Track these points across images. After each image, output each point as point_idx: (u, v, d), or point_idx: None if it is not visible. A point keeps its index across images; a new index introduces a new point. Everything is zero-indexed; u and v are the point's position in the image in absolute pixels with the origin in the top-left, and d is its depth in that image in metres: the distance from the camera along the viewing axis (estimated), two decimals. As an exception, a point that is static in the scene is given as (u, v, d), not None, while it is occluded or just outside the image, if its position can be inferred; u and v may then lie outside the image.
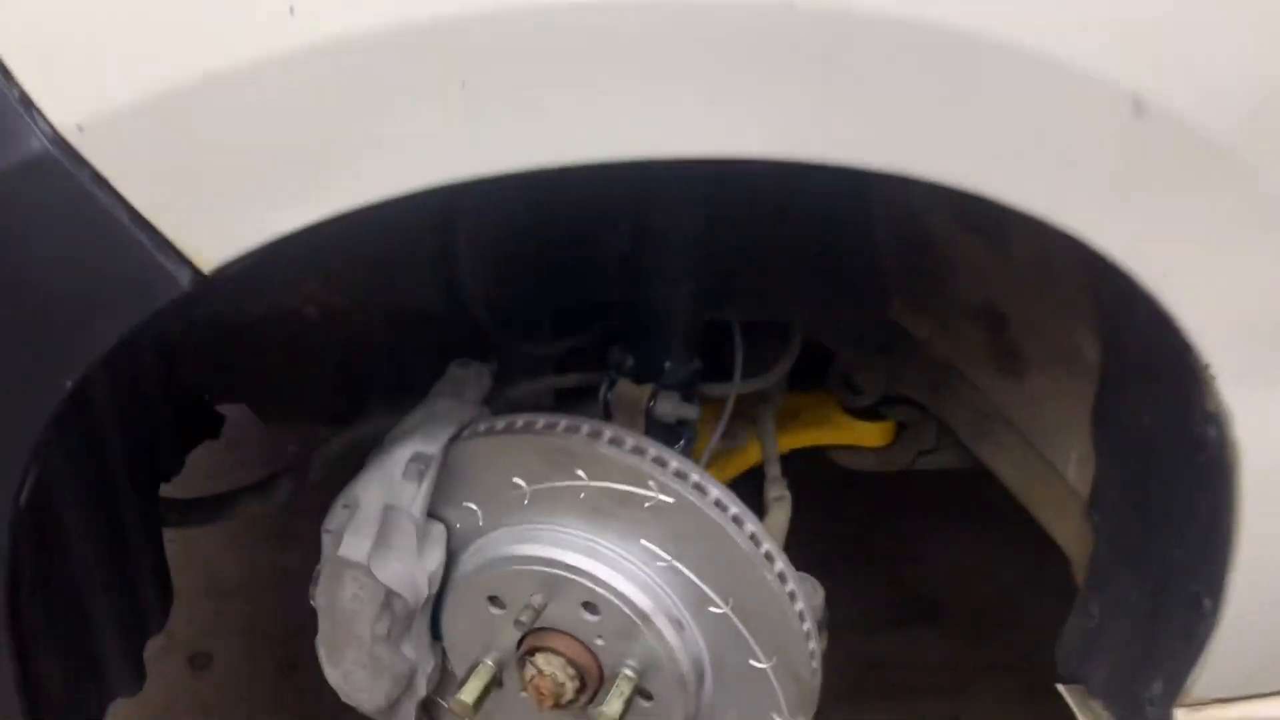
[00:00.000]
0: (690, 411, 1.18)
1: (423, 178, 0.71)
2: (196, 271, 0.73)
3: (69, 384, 0.76)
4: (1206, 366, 0.86)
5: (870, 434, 1.66)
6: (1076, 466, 1.32)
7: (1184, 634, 1.07)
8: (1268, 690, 1.11)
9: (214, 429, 1.55)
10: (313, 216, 0.72)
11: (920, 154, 0.74)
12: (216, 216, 0.72)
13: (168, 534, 1.40)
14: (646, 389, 1.18)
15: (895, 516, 2.64)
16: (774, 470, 1.42)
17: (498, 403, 1.34)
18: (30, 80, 0.70)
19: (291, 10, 0.67)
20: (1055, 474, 1.37)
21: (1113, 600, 1.22)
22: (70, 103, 0.70)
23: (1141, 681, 1.16)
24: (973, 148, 0.74)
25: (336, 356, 1.48)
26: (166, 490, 1.39)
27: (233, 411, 1.61)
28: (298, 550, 2.55)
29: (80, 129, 0.70)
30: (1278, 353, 0.85)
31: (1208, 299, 0.83)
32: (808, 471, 1.81)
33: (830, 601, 2.33)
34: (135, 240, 0.72)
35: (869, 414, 1.65)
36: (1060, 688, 1.32)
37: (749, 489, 1.49)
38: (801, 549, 2.52)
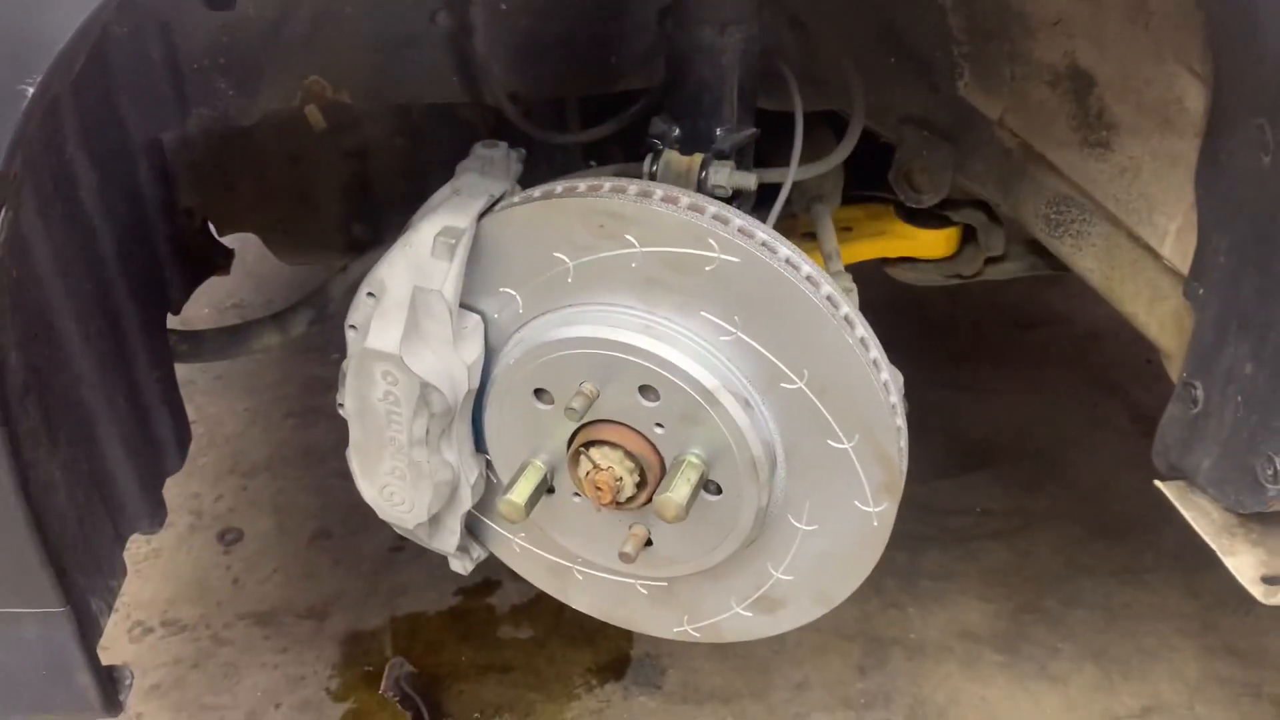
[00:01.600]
0: (748, 180, 1.05)
1: None
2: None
3: (29, 90, 0.64)
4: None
5: (933, 243, 1.53)
6: (1175, 239, 1.19)
7: (1309, 396, 0.96)
8: None
9: (222, 264, 1.43)
10: None
11: None
12: None
13: (190, 416, 1.30)
14: (696, 158, 1.05)
15: (943, 366, 2.53)
16: (836, 265, 1.30)
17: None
18: None
19: None
20: (1148, 256, 1.25)
21: (1222, 379, 1.10)
22: None
23: (1258, 460, 1.04)
24: None
25: (347, 171, 1.36)
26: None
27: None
28: (322, 426, 2.47)
29: None
30: None
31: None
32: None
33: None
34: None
35: (931, 220, 1.51)
36: (1160, 485, 1.21)
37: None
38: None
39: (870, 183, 1.51)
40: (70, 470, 0.97)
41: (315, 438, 2.35)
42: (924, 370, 2.51)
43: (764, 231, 0.91)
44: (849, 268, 1.54)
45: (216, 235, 1.42)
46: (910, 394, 2.51)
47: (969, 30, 1.26)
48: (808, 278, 0.90)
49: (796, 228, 1.46)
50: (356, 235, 1.41)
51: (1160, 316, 1.27)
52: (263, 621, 1.93)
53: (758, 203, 1.17)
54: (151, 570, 2.02)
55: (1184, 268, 1.17)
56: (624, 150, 1.27)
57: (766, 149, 1.25)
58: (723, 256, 0.90)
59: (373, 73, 1.18)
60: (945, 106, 1.34)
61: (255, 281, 2.80)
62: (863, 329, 0.93)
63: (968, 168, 1.41)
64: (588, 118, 1.29)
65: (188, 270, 1.33)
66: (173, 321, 1.28)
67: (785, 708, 1.75)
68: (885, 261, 1.58)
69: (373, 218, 1.40)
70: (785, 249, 0.91)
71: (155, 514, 1.17)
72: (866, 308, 1.52)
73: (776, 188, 1.19)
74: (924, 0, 1.24)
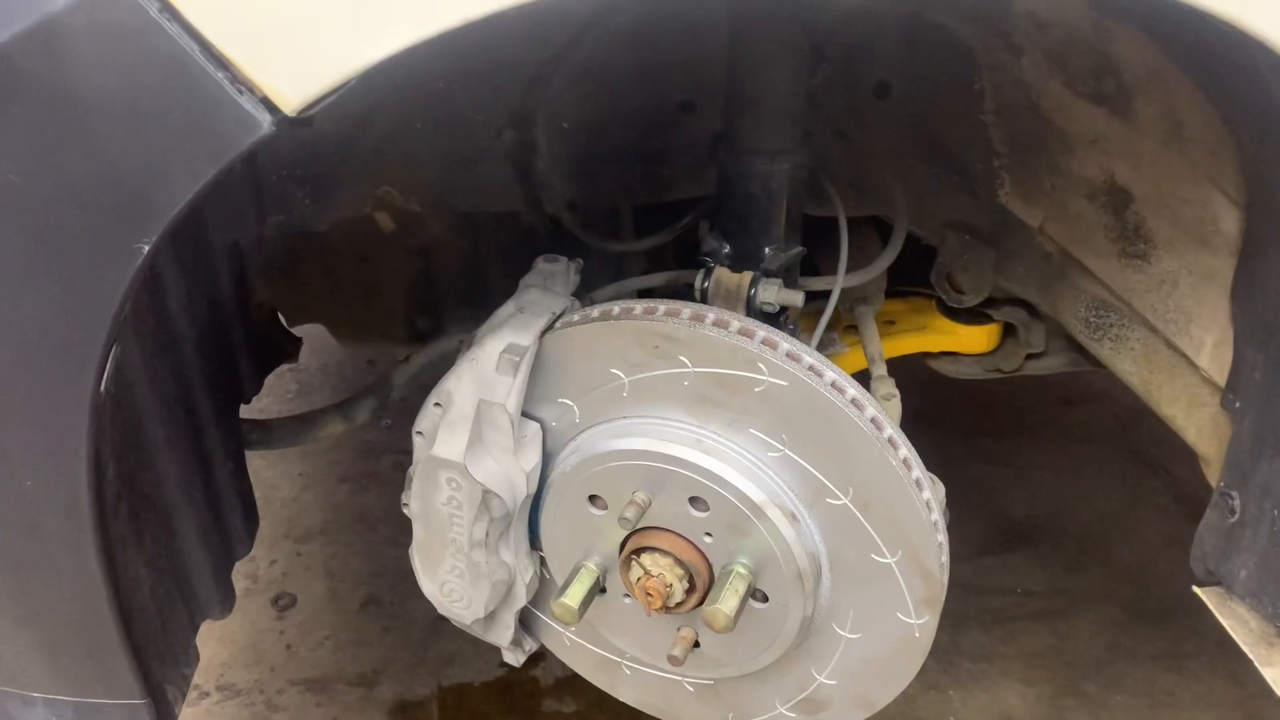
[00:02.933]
0: (795, 298, 1.10)
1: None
2: (278, 113, 0.67)
3: (145, 247, 0.70)
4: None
5: (974, 338, 1.56)
6: (1212, 352, 1.22)
7: (1350, 516, 0.98)
8: None
9: (291, 351, 1.50)
10: (392, 48, 0.65)
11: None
12: (297, 47, 0.66)
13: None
14: (746, 275, 1.10)
15: (984, 443, 2.55)
16: (880, 369, 1.34)
17: (583, 305, 1.27)
18: (91, -97, 0.63)
19: None
20: (1185, 364, 1.28)
21: (1259, 491, 1.12)
22: (135, -73, 0.64)
23: (1295, 574, 1.06)
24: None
25: (412, 269, 1.43)
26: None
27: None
28: (375, 492, 2.53)
29: (147, -47, 0.63)
30: None
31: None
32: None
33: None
34: (211, 78, 0.66)
35: (973, 317, 1.55)
36: (1198, 590, 1.23)
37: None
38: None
39: (913, 277, 1.56)
40: (153, 567, 1.03)
41: (368, 503, 2.42)
42: (965, 446, 2.56)
43: (811, 355, 0.96)
44: (892, 361, 1.59)
45: (286, 325, 1.49)
46: (951, 470, 2.52)
47: (1009, 143, 1.30)
48: (853, 401, 0.95)
49: (840, 321, 1.51)
50: (419, 327, 1.48)
51: (1198, 422, 1.29)
52: (315, 688, 1.98)
53: (808, 299, 1.22)
54: (208, 634, 2.06)
55: (1221, 379, 1.20)
56: (677, 255, 1.33)
57: (814, 252, 1.30)
58: (771, 380, 0.94)
59: (440, 183, 1.25)
60: (986, 213, 1.38)
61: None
62: (906, 449, 0.97)
63: (1008, 270, 1.45)
64: (643, 224, 1.35)
65: (259, 360, 1.40)
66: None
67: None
68: (927, 355, 1.61)
69: (434, 311, 1.46)
70: (831, 373, 0.96)
71: (225, 599, 1.23)
72: (907, 384, 1.57)
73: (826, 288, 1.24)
74: (966, 114, 1.29)
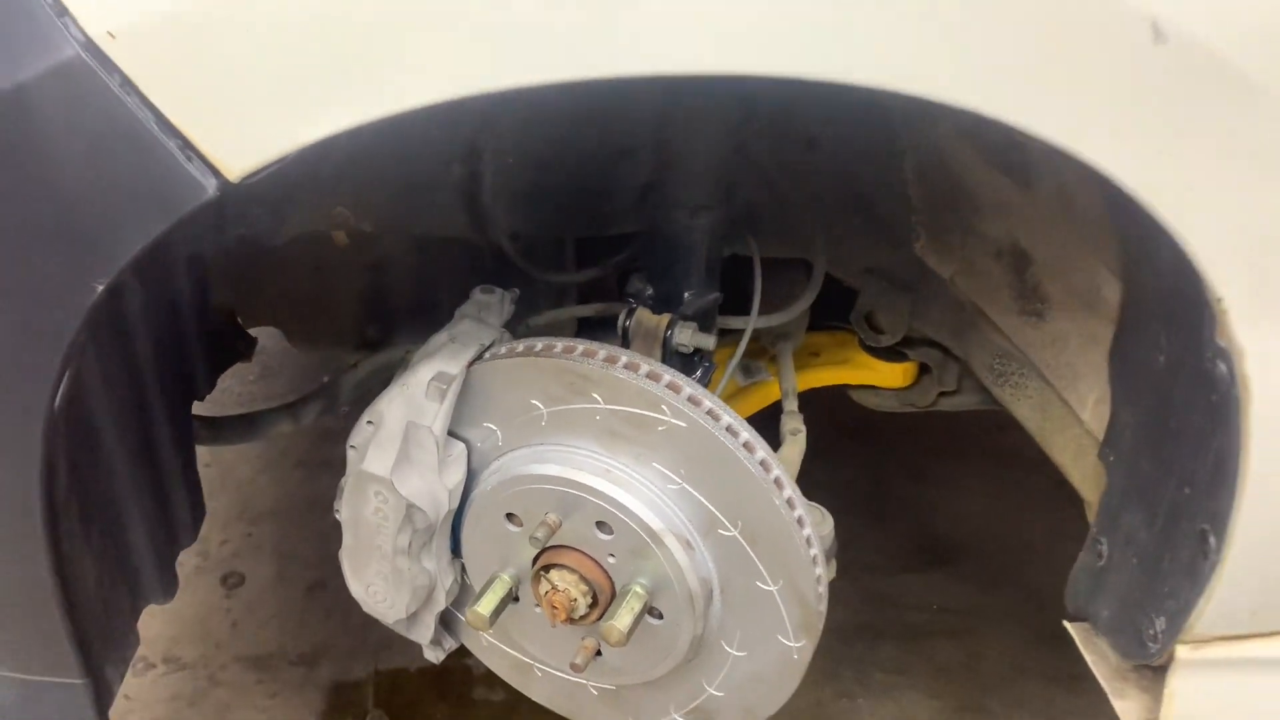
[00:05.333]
0: (706, 341, 1.19)
1: (423, 96, 0.72)
2: (223, 179, 0.76)
3: (99, 287, 0.79)
4: (1219, 300, 0.87)
5: (891, 374, 1.67)
6: (1093, 408, 1.32)
7: (1189, 571, 1.09)
8: (1270, 630, 1.12)
9: (246, 352, 1.58)
10: (326, 131, 0.74)
11: (939, 81, 0.74)
12: (242, 124, 0.74)
13: (204, 460, 1.45)
14: (664, 318, 1.19)
15: (916, 461, 2.66)
16: (791, 405, 1.44)
17: (520, 330, 1.36)
18: (64, -12, 0.72)
19: (316, -79, 0.69)
20: (1072, 416, 1.38)
21: (1122, 539, 1.23)
22: (101, 9, 0.72)
23: (1145, 619, 1.17)
24: (987, 71, 0.74)
25: (364, 281, 1.51)
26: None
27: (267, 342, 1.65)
28: (329, 477, 2.61)
29: (111, 35, 0.71)
30: (1289, 289, 0.86)
31: (1220, 231, 0.83)
32: (832, 417, 1.83)
33: (851, 543, 2.36)
34: (164, 147, 0.74)
35: (891, 354, 1.66)
36: (1068, 625, 1.34)
37: (770, 424, 1.51)
38: (824, 493, 2.56)
39: (839, 313, 1.66)
40: (100, 557, 1.11)
41: (320, 489, 2.50)
42: (901, 465, 2.66)
43: (710, 400, 1.05)
44: (815, 392, 1.69)
45: (242, 326, 1.57)
46: (884, 488, 2.64)
47: (925, 201, 1.40)
48: (745, 444, 1.05)
49: (766, 353, 1.61)
50: (368, 336, 1.56)
51: (1082, 470, 1.40)
52: (257, 665, 2.07)
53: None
54: (157, 610, 2.16)
55: (1100, 433, 1.31)
56: (617, 284, 1.42)
57: (749, 288, 1.40)
58: (673, 420, 1.04)
59: (391, 208, 1.34)
60: (903, 262, 1.48)
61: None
62: (790, 490, 1.07)
63: (923, 315, 1.56)
64: (586, 255, 1.44)
65: (214, 360, 1.48)
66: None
67: (735, 788, 1.87)
68: (848, 386, 1.72)
69: (384, 322, 1.55)
70: (728, 417, 1.05)
71: (169, 586, 1.32)
72: (846, 402, 1.66)
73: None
74: (888, 172, 1.38)
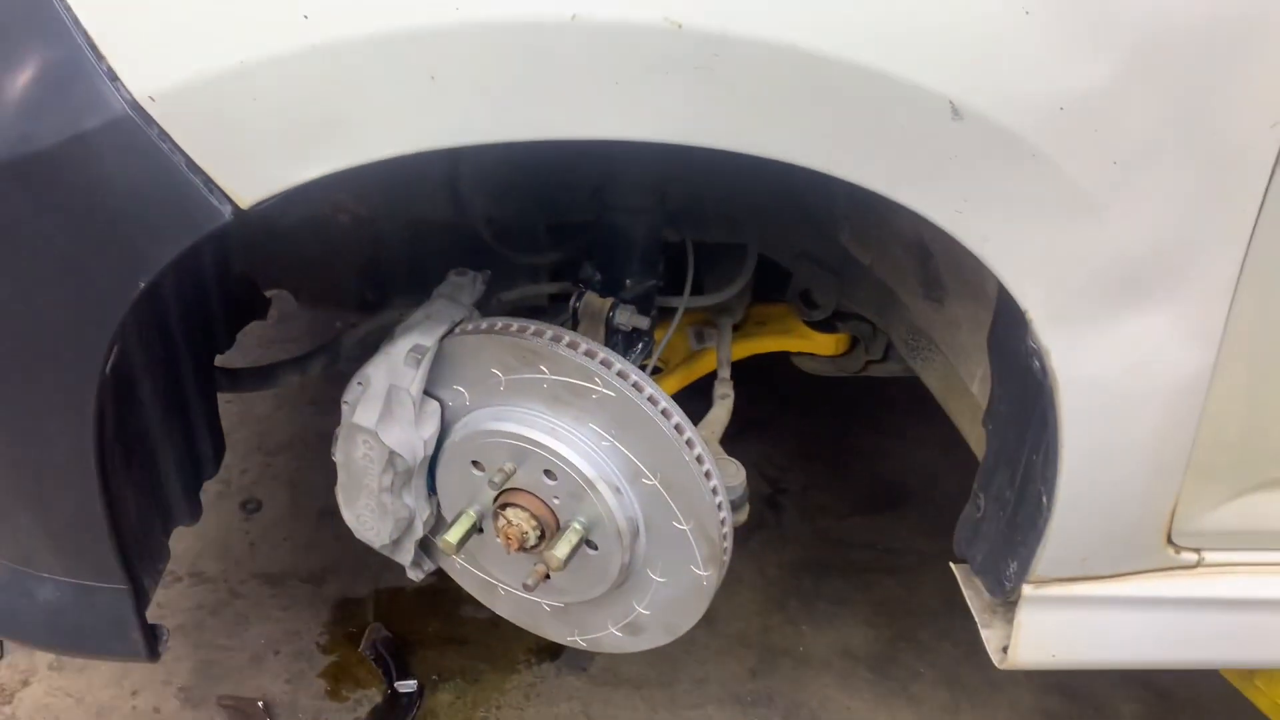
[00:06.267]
0: (643, 322, 1.42)
1: (395, 149, 0.95)
2: (236, 207, 0.98)
3: (142, 284, 1.02)
4: (1025, 312, 1.08)
5: (825, 343, 1.89)
6: (980, 382, 1.54)
7: (1032, 525, 1.32)
8: (1098, 574, 1.35)
9: (262, 310, 1.82)
10: (317, 173, 0.97)
11: (786, 146, 0.96)
12: (251, 167, 0.97)
13: (226, 398, 1.68)
14: (608, 301, 1.42)
15: (876, 414, 2.88)
16: (724, 372, 1.66)
17: (492, 304, 1.59)
18: (114, 59, 0.94)
19: (305, 16, 0.91)
20: (965, 388, 1.60)
21: (994, 496, 1.45)
22: (143, 77, 0.94)
23: (1004, 562, 1.40)
24: (825, 140, 0.96)
25: (364, 254, 1.74)
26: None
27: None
28: (338, 415, 2.86)
29: (152, 99, 0.94)
30: (1079, 302, 1.07)
31: (1021, 259, 1.05)
32: (801, 375, 2.05)
33: (810, 487, 2.61)
34: (190, 181, 0.97)
35: (825, 326, 1.88)
36: (953, 565, 1.57)
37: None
38: (792, 441, 2.79)
39: (784, 288, 1.88)
40: (137, 486, 1.36)
41: (331, 425, 2.71)
42: (862, 418, 2.88)
43: (636, 374, 1.28)
44: (761, 357, 1.92)
45: (259, 289, 1.81)
46: (846, 439, 2.85)
47: (848, 201, 1.61)
48: (663, 411, 1.28)
49: (713, 325, 1.83)
50: (367, 298, 1.80)
51: (975, 434, 1.62)
52: (271, 582, 2.34)
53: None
54: (185, 531, 2.43)
55: (984, 404, 1.53)
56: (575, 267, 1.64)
57: (710, 267, 1.62)
58: (604, 390, 1.27)
59: (385, 196, 1.56)
60: (831, 249, 1.70)
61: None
62: (700, 448, 1.30)
63: (850, 293, 1.77)
64: (553, 239, 1.66)
65: (233, 319, 1.72)
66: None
67: (686, 697, 2.14)
68: (790, 353, 1.94)
69: (380, 288, 1.78)
70: (650, 389, 1.28)
71: (194, 511, 1.57)
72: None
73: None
74: (818, 176, 1.59)
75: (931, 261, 1.56)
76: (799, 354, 1.94)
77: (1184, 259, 1.06)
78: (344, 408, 1.40)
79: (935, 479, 2.70)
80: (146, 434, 1.39)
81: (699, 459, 1.29)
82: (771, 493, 2.64)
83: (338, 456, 1.42)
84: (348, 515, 1.46)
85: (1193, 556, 1.37)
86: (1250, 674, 1.64)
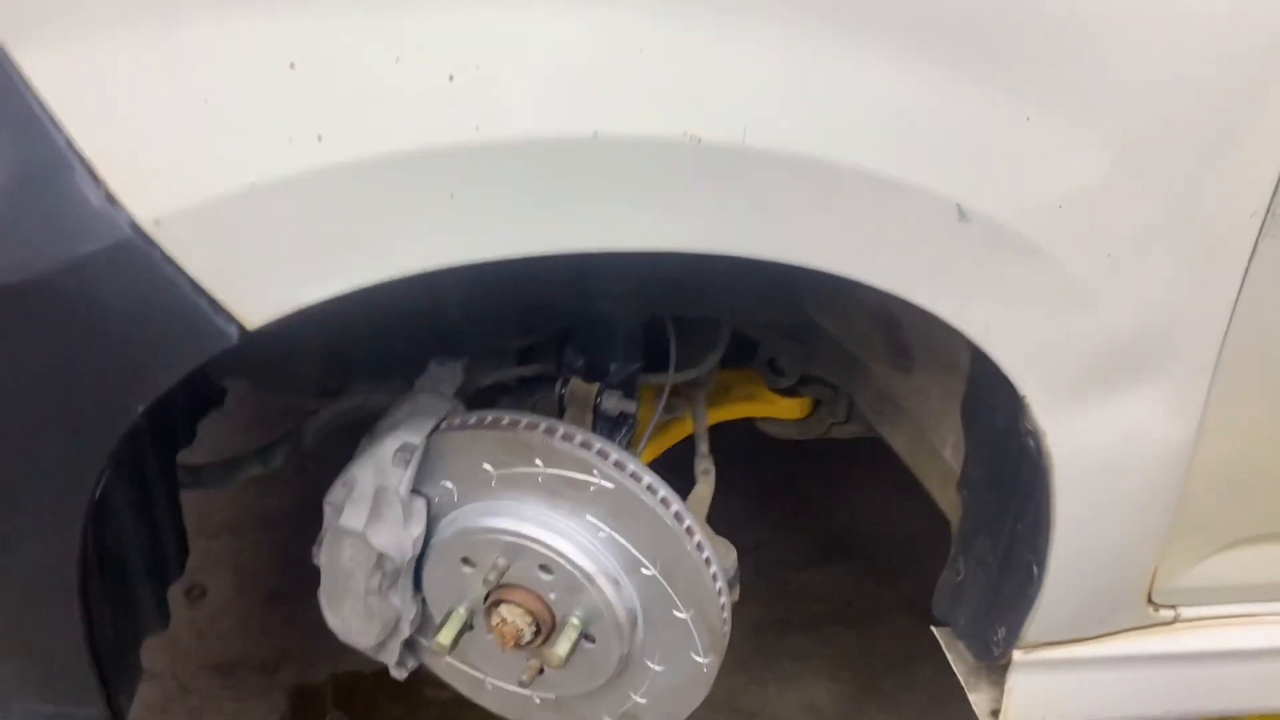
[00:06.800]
0: (630, 406, 1.42)
1: (412, 266, 0.94)
2: (242, 328, 0.96)
3: (141, 408, 0.99)
4: (1023, 397, 1.11)
5: (790, 408, 1.91)
6: (952, 449, 1.58)
7: (1021, 593, 1.35)
8: (1084, 635, 1.39)
9: (220, 400, 1.77)
10: (329, 293, 0.95)
11: (800, 250, 0.98)
12: (259, 288, 0.95)
13: None
14: (594, 387, 1.42)
15: (826, 464, 2.92)
16: (703, 447, 1.67)
17: (468, 388, 1.57)
18: (113, 182, 0.91)
19: (320, 137, 0.89)
20: (936, 452, 1.64)
21: (974, 561, 1.48)
22: (145, 202, 0.91)
23: (991, 628, 1.43)
24: (839, 244, 0.98)
25: (326, 340, 1.70)
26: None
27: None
28: (277, 494, 2.79)
29: (156, 222, 0.91)
30: (1074, 388, 1.11)
31: (1021, 346, 1.08)
32: (747, 424, 2.07)
33: (766, 543, 2.62)
34: (195, 305, 0.94)
35: (789, 390, 1.90)
36: (935, 630, 1.60)
37: (684, 453, 1.75)
38: (744, 498, 2.80)
39: (746, 355, 1.90)
40: (114, 603, 1.30)
41: (270, 505, 2.68)
42: (808, 466, 2.91)
43: (633, 464, 1.28)
44: (725, 425, 1.93)
45: (216, 381, 1.76)
46: (793, 488, 2.87)
47: (812, 274, 1.64)
48: (662, 500, 1.27)
49: (683, 396, 1.84)
50: (329, 384, 1.76)
51: (946, 498, 1.66)
52: (223, 673, 2.25)
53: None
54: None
55: (958, 469, 1.56)
56: (548, 348, 1.63)
57: (660, 343, 1.63)
58: (601, 482, 1.26)
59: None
60: (797, 319, 1.72)
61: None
62: (700, 534, 1.30)
63: (816, 360, 1.80)
64: (525, 321, 1.65)
65: (194, 413, 1.67)
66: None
67: (659, 767, 2.12)
68: (754, 419, 1.96)
69: (343, 372, 1.74)
70: (648, 477, 1.28)
71: (164, 617, 1.51)
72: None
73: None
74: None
75: (900, 332, 1.60)
76: (763, 419, 1.96)
77: (1170, 340, 1.11)
78: (327, 509, 1.36)
79: (884, 526, 2.74)
80: (119, 546, 1.33)
81: (699, 546, 1.29)
82: (728, 551, 2.64)
83: (321, 560, 1.38)
84: (332, 620, 1.42)
85: (1170, 613, 1.41)
86: None
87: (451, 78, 0.88)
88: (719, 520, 2.69)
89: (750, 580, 2.61)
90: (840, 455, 2.92)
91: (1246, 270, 1.07)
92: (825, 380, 1.87)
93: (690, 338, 1.69)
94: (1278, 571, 1.40)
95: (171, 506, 1.52)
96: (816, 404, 1.94)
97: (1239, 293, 1.09)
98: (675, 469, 1.71)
